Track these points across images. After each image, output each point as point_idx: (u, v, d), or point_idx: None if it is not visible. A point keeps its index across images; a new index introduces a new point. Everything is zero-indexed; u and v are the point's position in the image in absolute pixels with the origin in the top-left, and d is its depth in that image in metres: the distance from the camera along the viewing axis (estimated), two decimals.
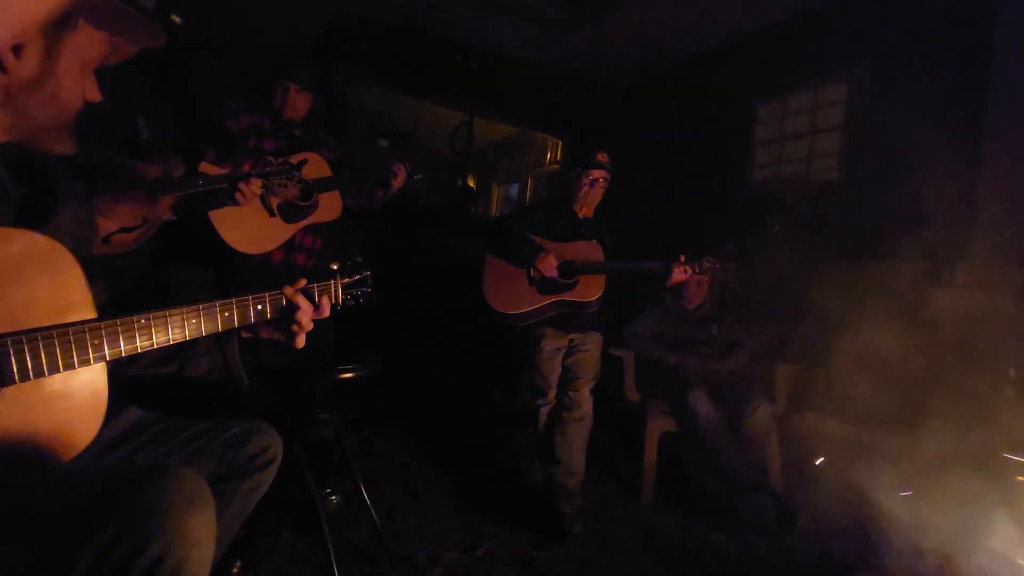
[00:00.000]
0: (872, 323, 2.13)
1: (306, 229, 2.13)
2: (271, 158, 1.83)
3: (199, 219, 1.87)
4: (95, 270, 0.85)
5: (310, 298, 1.07)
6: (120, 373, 0.98)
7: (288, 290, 1.05)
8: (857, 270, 2.41)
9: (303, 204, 2.07)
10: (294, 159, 2.00)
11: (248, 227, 1.97)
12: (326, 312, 1.10)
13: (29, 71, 0.77)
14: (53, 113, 0.82)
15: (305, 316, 1.06)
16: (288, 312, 1.06)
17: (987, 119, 2.42)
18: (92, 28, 0.82)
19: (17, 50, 0.74)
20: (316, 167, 2.10)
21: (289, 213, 2.06)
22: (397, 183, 2.19)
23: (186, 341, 1.00)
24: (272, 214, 2.02)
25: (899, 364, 2.07)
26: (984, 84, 2.43)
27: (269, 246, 2.04)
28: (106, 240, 1.51)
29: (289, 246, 2.11)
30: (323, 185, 2.11)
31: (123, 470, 0.97)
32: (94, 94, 0.86)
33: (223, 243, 1.93)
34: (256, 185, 1.77)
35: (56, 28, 0.77)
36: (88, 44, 0.82)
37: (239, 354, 1.09)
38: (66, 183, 0.92)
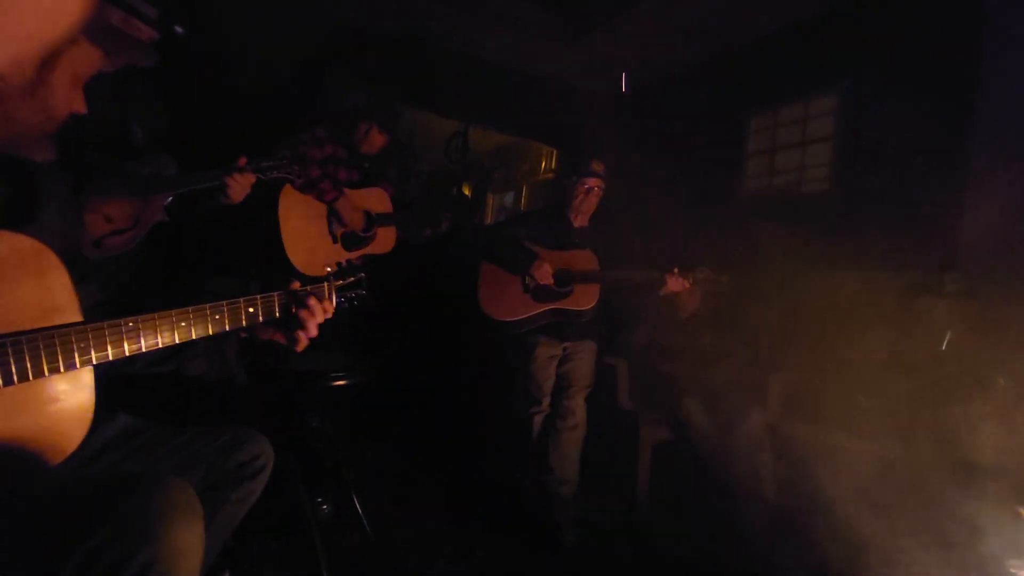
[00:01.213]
0: (863, 332, 2.14)
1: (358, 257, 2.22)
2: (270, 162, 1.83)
3: (196, 221, 1.85)
4: (86, 272, 0.85)
5: (303, 299, 1.08)
6: (117, 373, 0.97)
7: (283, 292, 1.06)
8: (848, 279, 2.43)
9: (363, 235, 2.21)
10: (365, 191, 2.20)
11: (312, 249, 2.09)
12: (328, 312, 1.11)
13: (25, 79, 0.77)
14: (39, 121, 0.81)
15: (308, 319, 1.07)
16: (285, 314, 1.06)
17: (975, 129, 2.46)
18: (89, 44, 0.82)
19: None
20: (380, 202, 2.26)
21: (349, 241, 2.20)
22: (444, 227, 2.45)
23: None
24: (335, 241, 2.15)
25: (890, 373, 2.08)
26: (972, 96, 2.47)
27: (322, 270, 2.12)
28: (97, 244, 1.50)
29: None
30: (383, 220, 2.26)
31: (111, 478, 0.96)
32: (80, 106, 0.86)
33: (270, 256, 2.03)
34: (246, 178, 1.74)
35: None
36: (84, 59, 0.83)
37: (236, 354, 1.10)
38: (51, 182, 0.91)
